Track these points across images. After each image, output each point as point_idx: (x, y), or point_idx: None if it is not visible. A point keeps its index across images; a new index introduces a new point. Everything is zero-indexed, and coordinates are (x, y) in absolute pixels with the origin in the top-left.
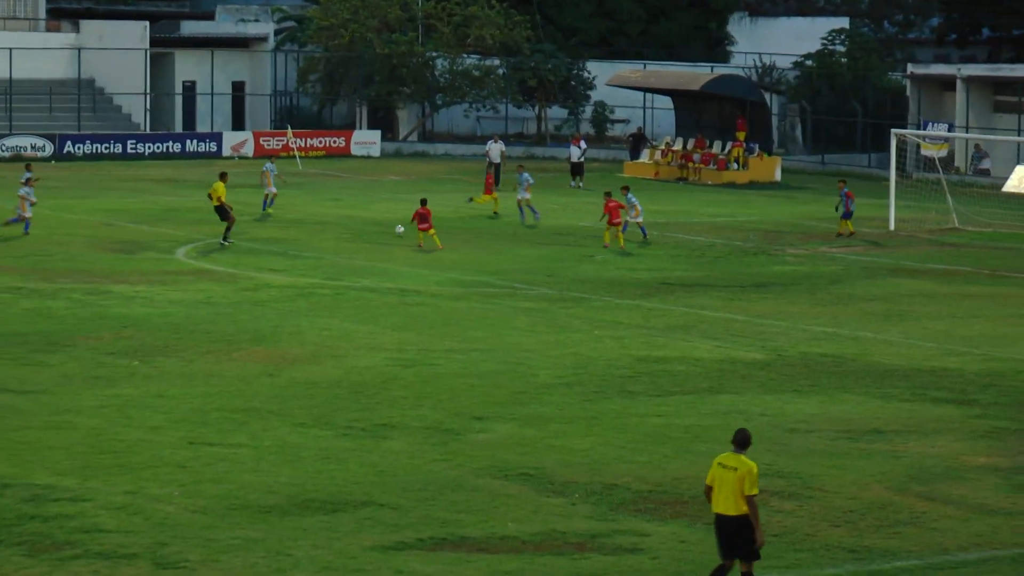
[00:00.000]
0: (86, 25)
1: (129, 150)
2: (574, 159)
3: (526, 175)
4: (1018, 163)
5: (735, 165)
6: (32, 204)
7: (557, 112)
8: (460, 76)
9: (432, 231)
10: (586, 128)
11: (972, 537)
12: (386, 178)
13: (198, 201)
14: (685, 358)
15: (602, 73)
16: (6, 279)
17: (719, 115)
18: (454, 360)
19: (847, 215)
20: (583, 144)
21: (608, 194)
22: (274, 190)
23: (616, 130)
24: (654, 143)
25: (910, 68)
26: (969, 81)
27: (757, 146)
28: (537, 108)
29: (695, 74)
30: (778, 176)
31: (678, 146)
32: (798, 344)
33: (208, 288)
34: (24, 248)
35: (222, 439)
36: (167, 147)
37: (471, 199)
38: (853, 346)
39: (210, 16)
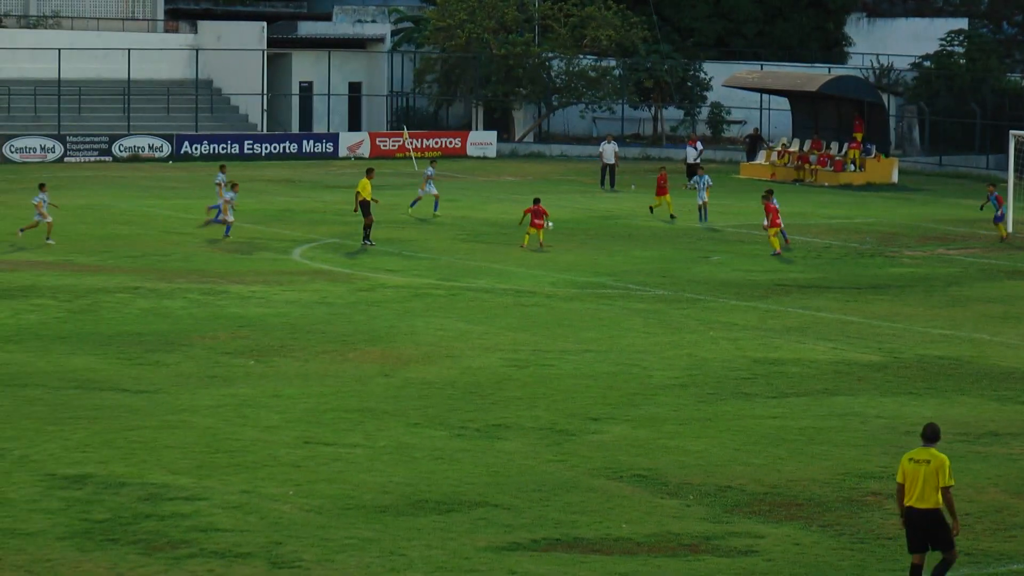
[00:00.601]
0: (204, 26)
1: (246, 150)
2: (690, 160)
3: (706, 177)
4: None
5: (852, 167)
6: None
7: (673, 113)
8: (576, 77)
9: (540, 230)
10: (702, 129)
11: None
12: (502, 179)
13: (315, 201)
14: (801, 360)
15: (718, 74)
16: (123, 279)
17: (836, 116)
18: (568, 361)
19: (999, 219)
20: (699, 145)
21: (769, 193)
22: (434, 191)
23: (732, 131)
24: (770, 144)
25: None
26: None
27: (874, 147)
28: (653, 109)
29: (812, 75)
30: (895, 178)
31: (794, 147)
32: (914, 346)
33: (324, 288)
34: (142, 248)
35: (337, 439)
36: (283, 147)
37: (651, 208)
38: (970, 348)
39: (327, 17)
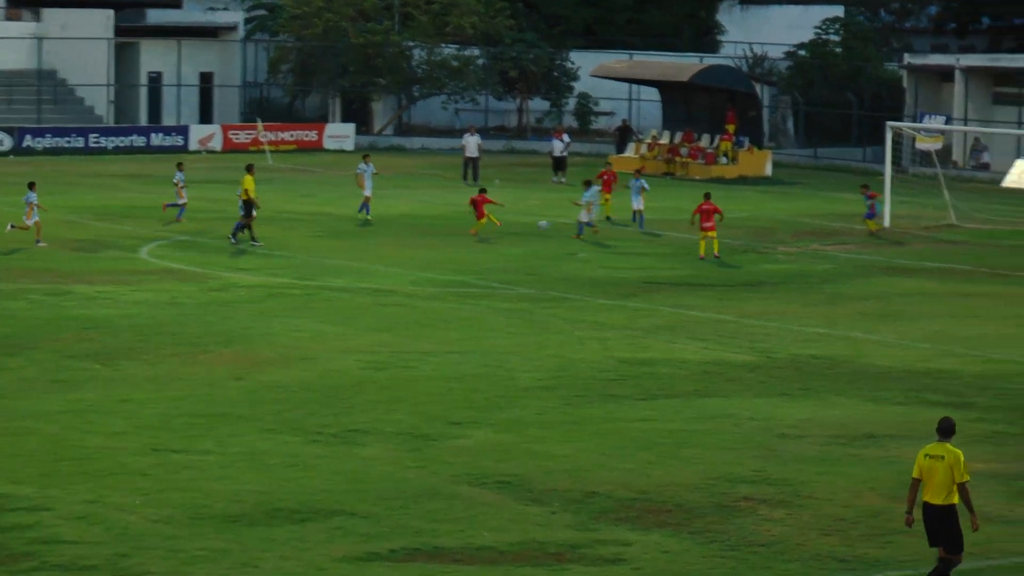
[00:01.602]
0: (48, 14)
1: (92, 144)
2: (556, 153)
3: (642, 180)
4: (1018, 157)
5: (724, 159)
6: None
7: (539, 104)
8: (438, 67)
9: (714, 233)
10: (569, 121)
11: (968, 546)
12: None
13: (164, 197)
14: (671, 360)
15: (586, 63)
16: None
17: (708, 107)
18: (430, 363)
19: (870, 215)
20: (566, 138)
21: (707, 195)
22: (367, 193)
23: (600, 123)
24: (640, 136)
25: (907, 58)
26: (968, 72)
27: (747, 139)
28: (518, 100)
29: (683, 65)
30: (769, 171)
31: (665, 140)
32: (789, 346)
33: (174, 288)
34: None
35: (187, 445)
36: (131, 141)
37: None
38: (846, 347)
39: (177, 4)
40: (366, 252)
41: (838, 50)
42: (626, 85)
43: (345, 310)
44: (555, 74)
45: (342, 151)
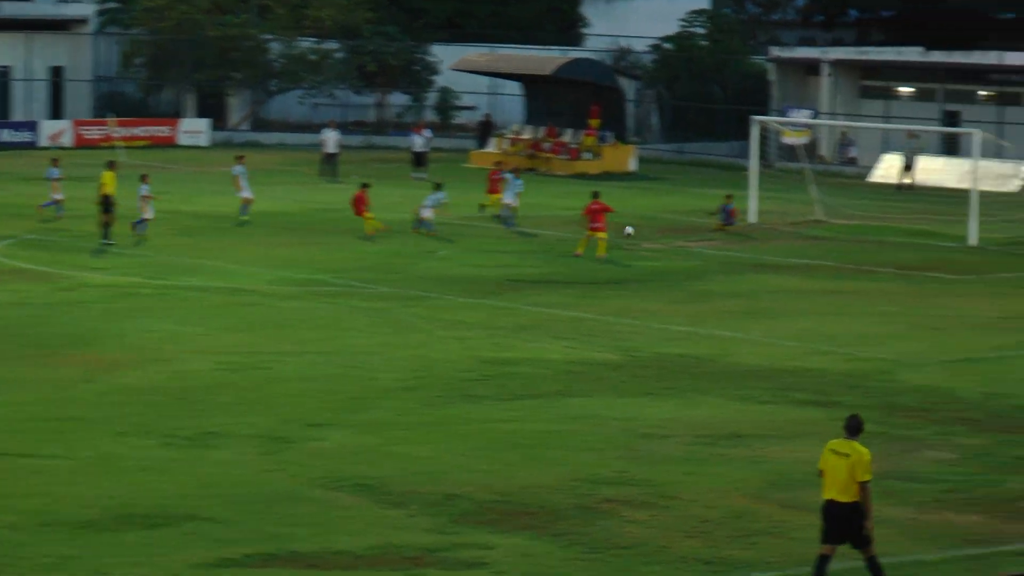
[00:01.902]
0: None
1: None
2: (417, 149)
3: (520, 180)
4: (886, 151)
5: (588, 155)
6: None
7: (399, 99)
8: (295, 60)
9: (604, 234)
10: (430, 116)
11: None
12: (215, 170)
13: (12, 195)
14: (533, 360)
15: (448, 57)
16: None
17: (572, 101)
18: (287, 364)
19: (726, 221)
20: (427, 133)
21: (596, 194)
22: (247, 193)
23: (462, 118)
24: (502, 131)
25: (773, 51)
26: (835, 65)
27: (611, 134)
28: (378, 95)
29: (546, 58)
30: (633, 166)
31: (528, 135)
32: (653, 344)
33: (21, 288)
34: None
35: (35, 450)
36: None
37: (483, 206)
38: (711, 346)
39: None
40: (221, 250)
41: (704, 43)
42: (488, 79)
43: (200, 310)
44: (415, 68)
45: (197, 147)
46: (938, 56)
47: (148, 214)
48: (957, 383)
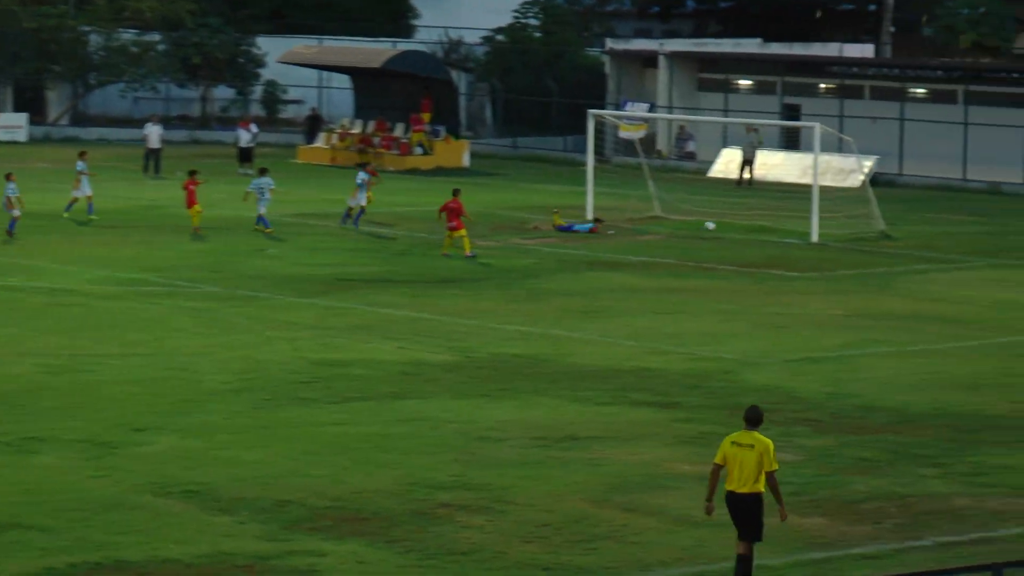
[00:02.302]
0: None
1: None
2: (243, 144)
3: (365, 176)
4: (725, 146)
5: (419, 149)
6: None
7: (224, 92)
8: (116, 53)
9: (463, 232)
10: (256, 110)
11: (676, 551)
12: (34, 166)
13: None
14: (366, 361)
15: (274, 49)
16: None
17: (403, 95)
18: (111, 366)
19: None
20: (253, 128)
21: (455, 192)
22: (88, 192)
23: (289, 112)
24: (331, 126)
25: (609, 43)
26: (672, 57)
27: (443, 129)
28: (201, 88)
29: (376, 50)
30: (466, 161)
31: (357, 129)
32: (489, 344)
33: None
34: None
35: None
36: None
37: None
38: (548, 346)
39: None
40: (41, 249)
41: (537, 35)
42: (316, 72)
43: (18, 311)
44: (241, 60)
45: (14, 142)
46: (777, 48)
47: (16, 212)
48: (800, 383)
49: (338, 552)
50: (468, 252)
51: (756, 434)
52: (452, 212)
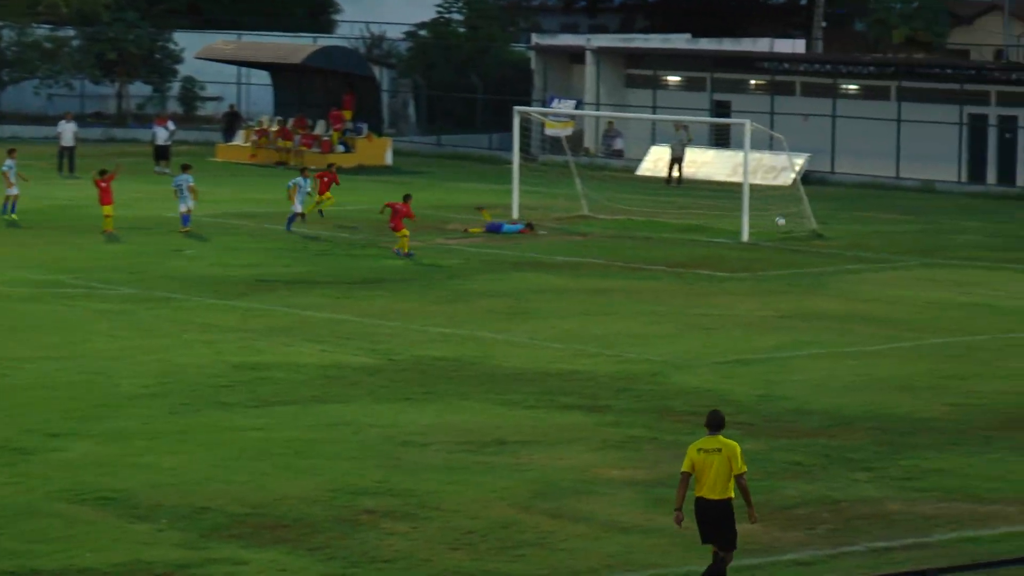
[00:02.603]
0: None
1: None
2: (160, 141)
3: (308, 181)
4: (653, 143)
5: (341, 147)
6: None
7: (140, 89)
8: (29, 48)
9: (405, 232)
10: (173, 107)
11: (604, 558)
12: None
13: None
14: (286, 364)
15: (191, 45)
16: None
17: (324, 92)
18: (24, 370)
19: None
20: (171, 125)
21: (407, 197)
22: (15, 191)
23: (208, 109)
24: (250, 123)
25: (535, 39)
26: (599, 53)
27: (366, 126)
28: (117, 85)
29: (296, 46)
30: (389, 159)
31: (277, 127)
32: (412, 347)
33: None
34: None
35: None
36: None
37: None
38: (473, 348)
39: None
40: None
41: (461, 30)
42: (235, 68)
43: None
44: (157, 56)
45: None
46: (706, 44)
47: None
48: (730, 385)
49: (259, 560)
50: (406, 251)
51: (720, 438)
52: (396, 213)
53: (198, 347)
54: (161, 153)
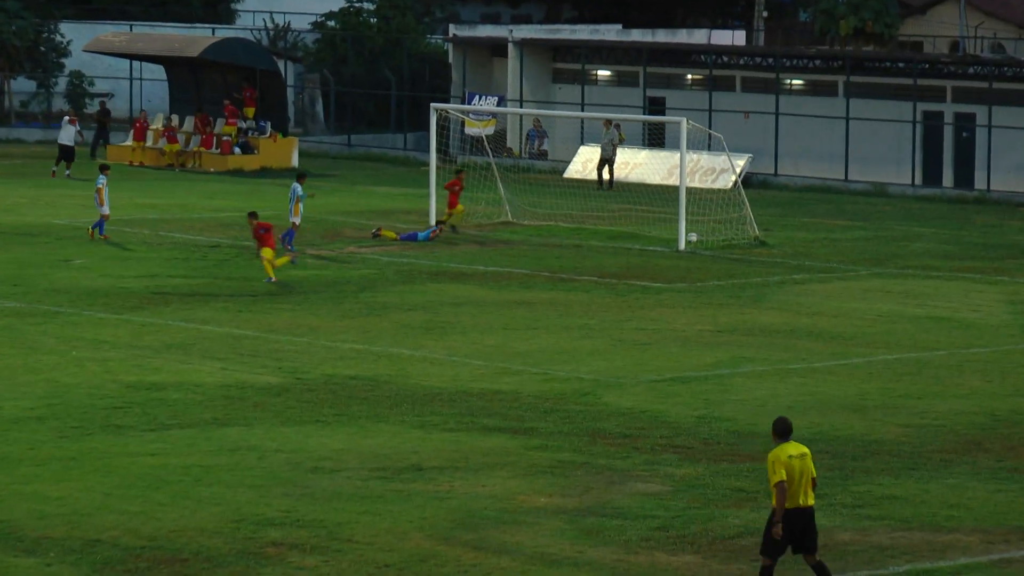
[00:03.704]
0: None
1: None
2: (65, 142)
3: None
4: (582, 143)
5: (238, 150)
6: None
7: (24, 85)
8: None
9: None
10: (60, 104)
11: None
12: None
13: None
14: (184, 383)
15: (79, 37)
16: None
17: (223, 87)
18: None
19: (412, 236)
20: (78, 124)
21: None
22: None
23: (97, 105)
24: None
25: (453, 30)
26: (523, 45)
27: (269, 125)
28: None
29: (193, 38)
30: (295, 161)
31: (162, 126)
32: (321, 364)
33: None
34: None
35: None
36: None
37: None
38: (388, 366)
39: None
40: None
41: (373, 20)
42: (127, 62)
43: None
44: (42, 49)
45: None
46: (639, 36)
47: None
48: (667, 406)
49: None
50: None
51: (797, 443)
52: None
53: (88, 366)
54: (67, 153)
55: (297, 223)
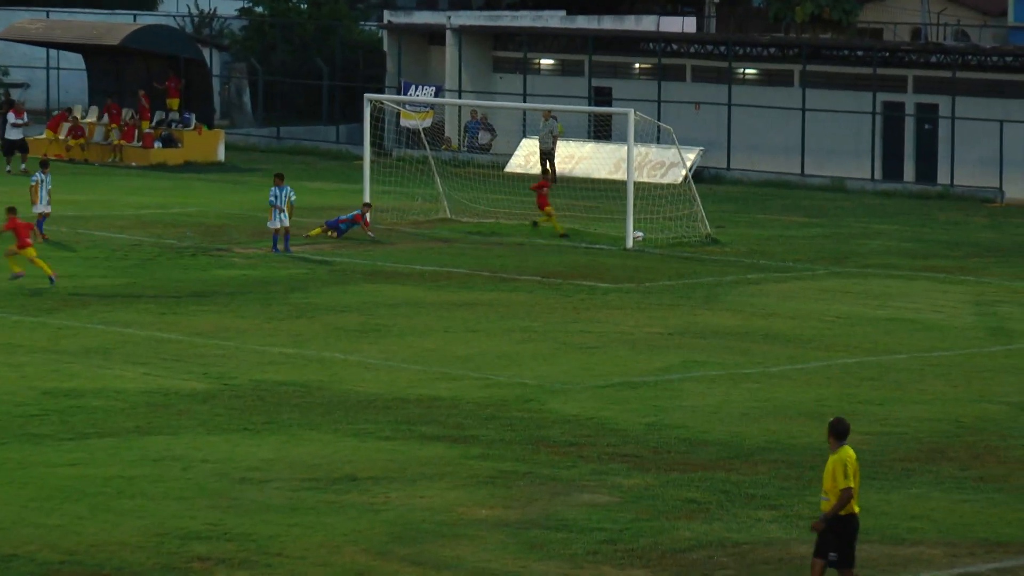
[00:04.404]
0: None
1: None
2: (11, 136)
3: (287, 189)
4: (524, 136)
5: (159, 143)
6: None
7: None
8: None
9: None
10: None
11: None
12: None
13: None
14: (104, 390)
15: None
16: None
17: (145, 78)
18: None
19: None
20: (26, 117)
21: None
22: None
23: (16, 96)
24: (65, 113)
25: (387, 16)
26: (462, 33)
27: (194, 117)
28: None
29: (113, 25)
30: (221, 155)
31: (92, 117)
32: (250, 370)
33: None
34: None
35: None
36: None
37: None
38: (320, 371)
39: None
40: None
41: (303, 7)
42: (44, 50)
43: None
44: None
45: None
46: (584, 22)
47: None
48: (614, 412)
49: None
50: (561, 232)
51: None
52: (540, 192)
53: (2, 371)
54: (11, 147)
55: (285, 224)
